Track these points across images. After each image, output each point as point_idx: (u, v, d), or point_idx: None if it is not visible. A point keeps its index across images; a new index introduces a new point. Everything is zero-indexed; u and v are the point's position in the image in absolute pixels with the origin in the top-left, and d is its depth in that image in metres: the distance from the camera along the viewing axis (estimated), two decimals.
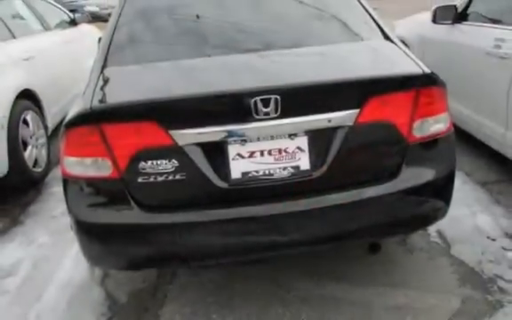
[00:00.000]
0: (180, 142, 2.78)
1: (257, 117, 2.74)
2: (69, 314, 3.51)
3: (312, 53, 3.33)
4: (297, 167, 2.89)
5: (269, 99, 2.72)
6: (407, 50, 3.39)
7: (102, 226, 2.95)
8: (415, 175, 3.03)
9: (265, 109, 2.74)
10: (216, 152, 2.84)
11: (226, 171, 2.86)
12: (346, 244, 3.49)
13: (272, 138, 2.86)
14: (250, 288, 3.58)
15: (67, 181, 2.98)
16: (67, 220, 3.14)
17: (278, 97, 2.73)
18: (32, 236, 4.52)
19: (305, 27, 3.70)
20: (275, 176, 2.89)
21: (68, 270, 3.96)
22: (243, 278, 3.67)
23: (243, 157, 2.85)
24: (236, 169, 2.86)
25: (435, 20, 5.76)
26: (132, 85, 3.10)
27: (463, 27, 5.52)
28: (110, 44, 3.52)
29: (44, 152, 5.87)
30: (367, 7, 3.84)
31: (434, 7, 5.77)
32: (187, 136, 2.78)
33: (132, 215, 2.89)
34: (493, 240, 3.95)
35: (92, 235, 3.01)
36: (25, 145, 5.37)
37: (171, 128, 2.76)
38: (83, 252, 3.09)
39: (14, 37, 6.08)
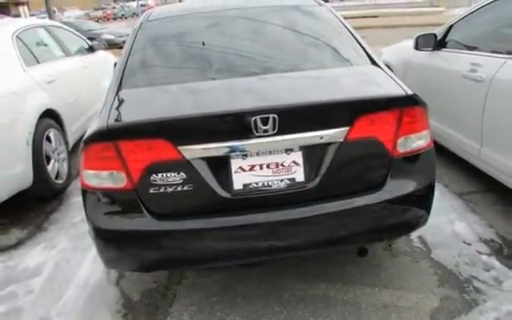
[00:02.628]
0: (188, 157, 2.79)
1: (257, 134, 2.76)
2: (88, 311, 3.52)
3: (307, 77, 3.36)
4: (293, 179, 2.91)
5: (268, 117, 2.74)
6: (392, 74, 3.40)
7: (117, 232, 2.96)
8: (399, 186, 3.03)
9: (264, 127, 2.75)
10: (220, 165, 2.86)
11: (228, 182, 2.87)
12: (337, 248, 3.49)
13: (270, 153, 2.87)
14: (250, 289, 3.59)
15: (85, 192, 2.99)
16: (85, 227, 3.14)
17: (276, 116, 2.74)
18: (54, 241, 4.53)
19: (300, 53, 3.72)
20: (273, 187, 2.90)
21: (86, 272, 3.97)
22: (244, 280, 3.68)
23: (244, 170, 2.87)
24: (238, 181, 2.87)
25: (417, 47, 5.77)
26: (144, 106, 3.12)
27: (442, 53, 5.53)
28: (125, 68, 3.55)
29: (65, 166, 5.89)
30: (356, 35, 3.86)
31: (416, 35, 5.80)
32: (193, 151, 2.79)
33: (144, 222, 2.90)
34: (469, 245, 3.95)
35: (108, 240, 3.02)
36: (48, 159, 5.40)
37: (179, 144, 2.78)
38: (100, 255, 3.10)
39: (38, 62, 6.10)
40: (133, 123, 2.95)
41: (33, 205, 5.34)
